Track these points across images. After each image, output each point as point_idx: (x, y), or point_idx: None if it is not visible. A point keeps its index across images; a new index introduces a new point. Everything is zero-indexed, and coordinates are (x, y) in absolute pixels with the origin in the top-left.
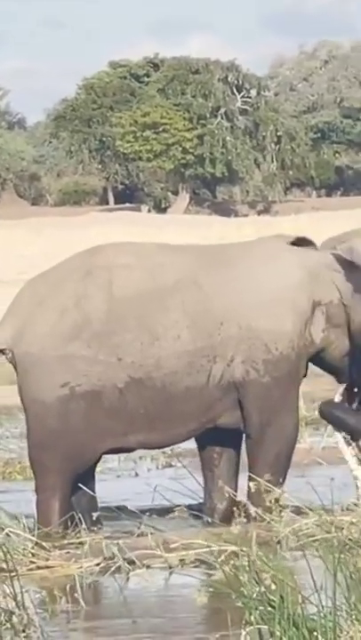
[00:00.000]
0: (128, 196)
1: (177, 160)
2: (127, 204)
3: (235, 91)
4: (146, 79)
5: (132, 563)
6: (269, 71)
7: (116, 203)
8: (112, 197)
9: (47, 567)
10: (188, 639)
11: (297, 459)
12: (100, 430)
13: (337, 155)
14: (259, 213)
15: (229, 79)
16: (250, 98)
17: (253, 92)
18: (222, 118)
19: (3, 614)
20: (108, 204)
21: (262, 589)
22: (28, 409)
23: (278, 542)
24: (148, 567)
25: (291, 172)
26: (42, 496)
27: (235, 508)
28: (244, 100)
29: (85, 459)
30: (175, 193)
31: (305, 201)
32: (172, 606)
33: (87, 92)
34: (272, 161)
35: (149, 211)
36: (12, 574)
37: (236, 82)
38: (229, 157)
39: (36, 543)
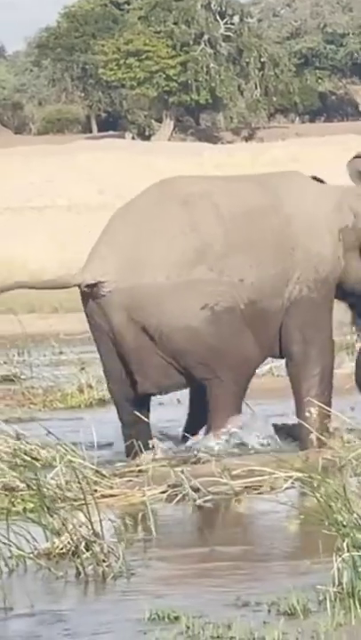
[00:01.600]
0: (111, 123)
1: (160, 87)
2: (110, 132)
3: (218, 17)
4: (127, 6)
5: (197, 490)
6: None
7: (99, 131)
8: (95, 125)
9: (111, 496)
10: (274, 567)
11: (339, 383)
12: (254, 341)
13: (320, 80)
14: (244, 140)
15: (212, 6)
16: (233, 24)
17: (236, 19)
18: (205, 45)
19: (82, 543)
20: (91, 132)
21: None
22: (172, 336)
23: (341, 468)
24: (215, 495)
25: (274, 99)
26: (222, 406)
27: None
28: (228, 26)
29: (252, 369)
30: (159, 120)
31: (289, 127)
32: (248, 534)
33: (69, 21)
34: (256, 87)
35: (133, 138)
36: (84, 503)
37: (218, 8)
38: (213, 84)
39: (96, 471)
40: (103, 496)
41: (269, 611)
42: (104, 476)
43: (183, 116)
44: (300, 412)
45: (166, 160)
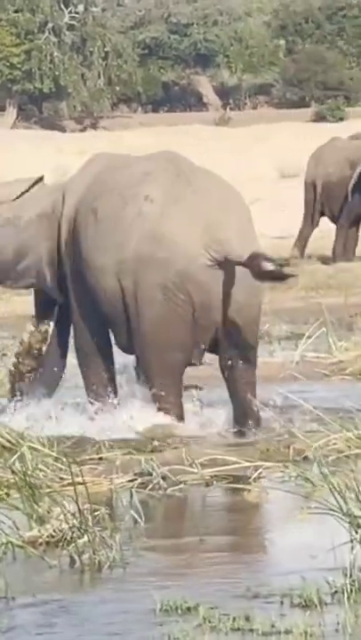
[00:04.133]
0: None
1: (4, 75)
2: None
3: (62, 6)
4: None
5: (164, 478)
6: None
7: None
8: None
9: (79, 484)
10: (273, 557)
11: (271, 373)
12: None
13: (162, 70)
14: (85, 129)
15: None
16: (77, 13)
17: (81, 8)
18: (50, 34)
19: (72, 532)
20: None
21: None
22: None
23: (305, 458)
24: (184, 483)
25: (118, 88)
26: None
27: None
28: (72, 15)
29: None
30: (2, 109)
31: (132, 117)
32: (231, 523)
33: None
34: (99, 77)
35: None
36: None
37: None
38: (57, 73)
39: (56, 458)
40: (70, 484)
41: (282, 602)
42: (66, 463)
43: (26, 104)
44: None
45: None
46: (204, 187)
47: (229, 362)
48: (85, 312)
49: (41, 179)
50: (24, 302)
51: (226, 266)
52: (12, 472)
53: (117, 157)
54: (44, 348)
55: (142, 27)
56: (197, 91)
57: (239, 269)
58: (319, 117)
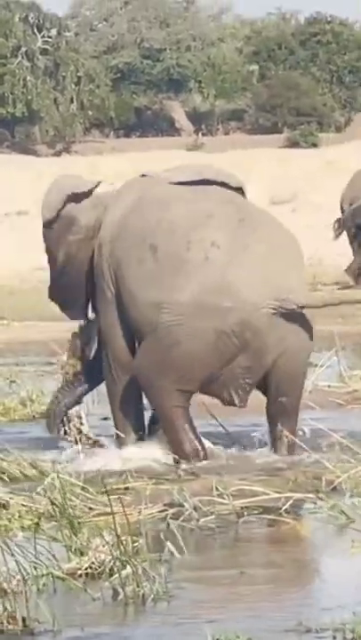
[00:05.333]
0: None
1: None
2: None
3: (35, 30)
4: None
5: (196, 509)
6: (70, 11)
7: None
8: None
9: (107, 514)
10: (317, 591)
11: None
12: None
13: (135, 95)
14: (60, 153)
15: (30, 18)
16: (50, 38)
17: (54, 32)
18: (23, 58)
19: (114, 563)
20: None
21: None
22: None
23: (334, 488)
24: (215, 514)
25: (90, 113)
26: None
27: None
28: (45, 39)
29: None
30: None
31: (105, 141)
32: (270, 555)
33: None
34: (72, 101)
35: None
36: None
37: (36, 21)
38: (29, 97)
39: (83, 488)
40: (99, 514)
41: (334, 637)
42: (91, 493)
43: None
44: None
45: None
46: (267, 233)
47: (275, 403)
48: (118, 341)
49: (97, 185)
50: (24, 328)
51: (286, 314)
52: (52, 503)
53: (162, 188)
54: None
55: (115, 51)
56: (170, 116)
57: (301, 317)
58: (292, 143)
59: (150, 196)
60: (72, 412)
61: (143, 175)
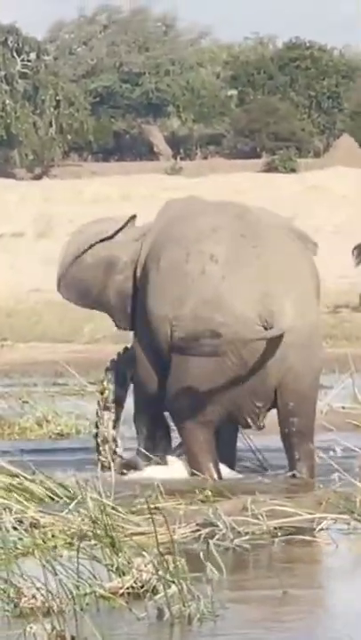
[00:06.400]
0: None
1: None
2: None
3: (14, 54)
4: None
5: (230, 529)
6: (49, 35)
7: None
8: None
9: (141, 534)
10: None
11: None
12: None
13: (113, 119)
14: (37, 177)
15: (9, 42)
16: (30, 61)
17: (33, 56)
18: (2, 82)
19: (158, 582)
20: None
21: None
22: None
23: None
24: (251, 534)
25: (69, 137)
26: None
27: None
28: (24, 63)
29: None
30: None
31: (83, 165)
32: (310, 575)
33: None
34: (51, 125)
35: None
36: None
37: (15, 45)
38: (8, 121)
39: (113, 508)
40: (132, 534)
41: None
42: (121, 512)
43: None
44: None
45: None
46: (270, 250)
47: (286, 424)
48: (145, 359)
49: (133, 217)
50: (29, 349)
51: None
52: (93, 522)
53: (188, 206)
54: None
55: (94, 75)
56: (148, 140)
57: (299, 336)
58: (271, 168)
59: (177, 213)
60: (106, 434)
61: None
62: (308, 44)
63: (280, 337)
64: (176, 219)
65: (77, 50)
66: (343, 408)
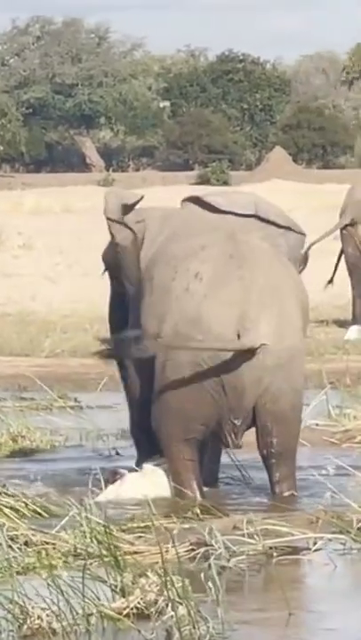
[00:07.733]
0: None
1: None
2: None
3: None
4: None
5: (226, 548)
6: None
7: None
8: None
9: (135, 552)
10: None
11: None
12: None
13: (44, 130)
14: None
15: None
16: None
17: None
18: None
19: (166, 602)
20: None
21: None
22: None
23: (360, 528)
24: (247, 554)
25: (1, 148)
26: None
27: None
28: None
29: None
30: None
31: (15, 176)
32: (315, 596)
33: None
34: None
35: None
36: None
37: None
38: None
39: (104, 526)
40: (126, 553)
41: None
42: (112, 531)
43: None
44: None
45: None
46: (254, 272)
47: (264, 444)
48: (135, 374)
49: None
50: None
51: (265, 354)
52: (98, 542)
53: (186, 222)
54: None
55: (27, 86)
56: (81, 151)
57: (278, 358)
58: (203, 180)
59: (175, 230)
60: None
61: (192, 197)
62: (241, 57)
63: (253, 356)
64: (173, 236)
65: (10, 61)
66: (317, 425)
